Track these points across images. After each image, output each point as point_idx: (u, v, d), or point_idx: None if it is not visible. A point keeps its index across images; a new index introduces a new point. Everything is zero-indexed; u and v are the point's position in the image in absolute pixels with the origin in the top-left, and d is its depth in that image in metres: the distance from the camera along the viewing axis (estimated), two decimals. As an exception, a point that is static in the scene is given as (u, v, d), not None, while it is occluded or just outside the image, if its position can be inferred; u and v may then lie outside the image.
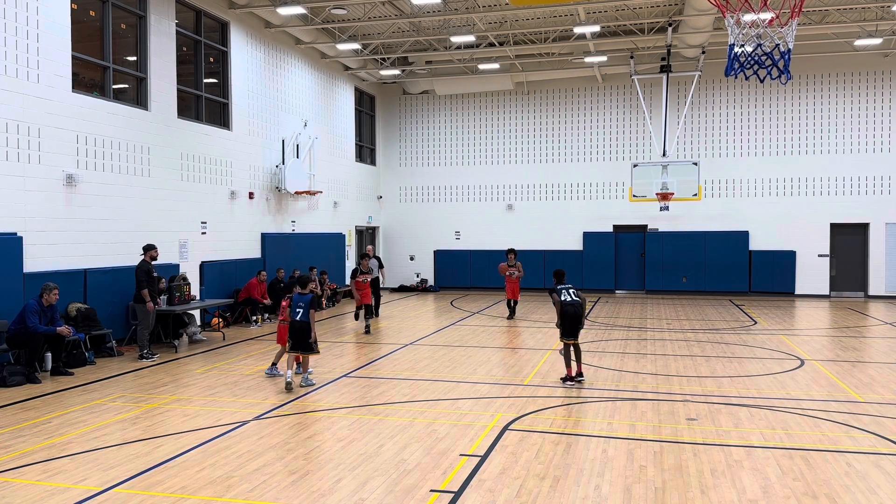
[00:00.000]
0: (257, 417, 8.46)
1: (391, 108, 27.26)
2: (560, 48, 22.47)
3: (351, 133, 24.50)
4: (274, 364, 10.93)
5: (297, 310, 9.91)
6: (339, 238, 23.08)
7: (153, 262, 12.64)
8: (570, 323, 10.12)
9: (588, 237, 25.14)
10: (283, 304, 10.70)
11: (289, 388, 9.70)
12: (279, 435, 7.72)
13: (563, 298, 10.21)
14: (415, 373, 11.17)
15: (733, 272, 23.87)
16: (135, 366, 11.84)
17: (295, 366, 10.00)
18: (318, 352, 10.25)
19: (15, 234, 11.44)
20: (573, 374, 10.21)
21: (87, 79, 13.70)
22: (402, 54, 22.67)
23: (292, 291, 10.84)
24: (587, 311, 10.62)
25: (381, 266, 17.51)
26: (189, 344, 14.15)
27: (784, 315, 18.85)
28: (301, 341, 9.86)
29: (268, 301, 16.90)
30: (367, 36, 21.16)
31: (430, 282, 26.52)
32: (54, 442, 7.48)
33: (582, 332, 10.42)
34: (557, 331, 10.44)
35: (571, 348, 10.21)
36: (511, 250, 18.13)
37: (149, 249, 12.61)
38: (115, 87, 14.12)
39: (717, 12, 15.95)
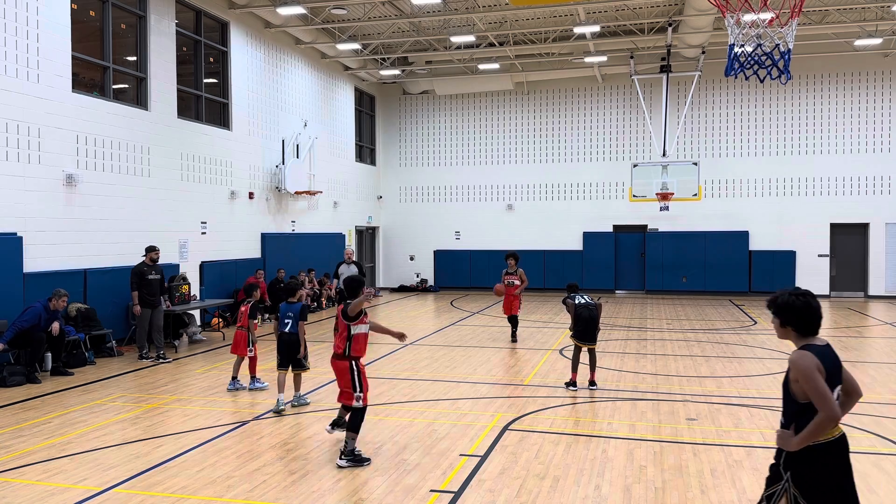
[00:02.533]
0: (257, 417, 8.46)
1: (391, 108, 27.26)
2: (560, 48, 22.47)
3: (351, 133, 24.50)
4: (234, 378, 9.91)
5: (286, 321, 8.80)
6: (339, 238, 23.09)
7: (154, 264, 12.48)
8: (585, 325, 9.87)
9: (588, 237, 25.14)
10: (242, 309, 9.83)
11: (279, 413, 8.59)
12: (279, 435, 7.72)
13: (577, 301, 10.02)
14: (415, 373, 11.18)
15: (733, 272, 23.87)
16: (135, 366, 11.84)
17: (289, 386, 8.92)
18: (308, 368, 9.09)
19: (15, 234, 11.44)
20: (576, 378, 9.94)
21: (87, 79, 13.70)
22: (402, 54, 22.68)
23: (251, 296, 9.92)
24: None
25: (361, 273, 14.75)
26: (189, 344, 14.15)
27: (784, 315, 18.81)
28: (290, 356, 8.78)
29: (267, 301, 16.89)
30: (367, 36, 21.16)
31: (430, 282, 26.52)
32: (54, 442, 7.48)
33: (599, 335, 10.16)
34: (559, 331, 10.33)
35: (582, 353, 9.98)
36: (511, 255, 14.54)
37: (148, 251, 12.49)
38: (115, 87, 14.12)
39: (717, 12, 15.94)
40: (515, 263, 14.40)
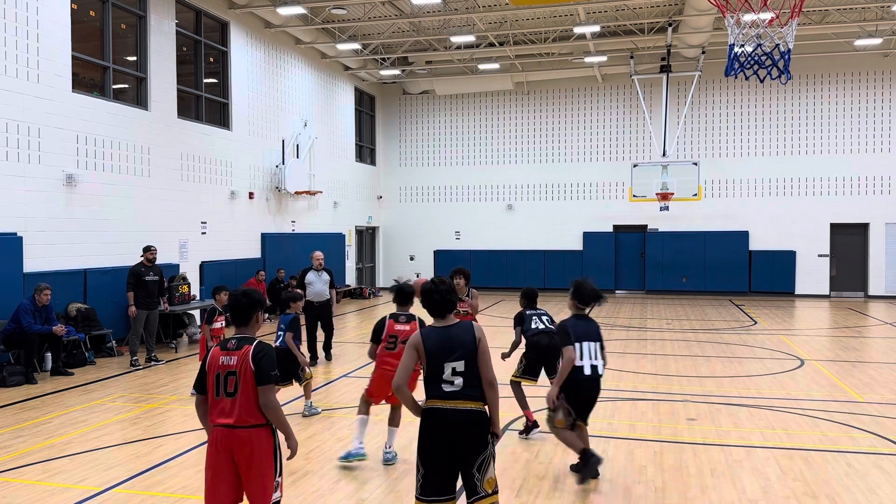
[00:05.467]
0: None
1: (391, 108, 27.26)
2: (560, 48, 22.46)
3: (351, 133, 24.50)
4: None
5: (279, 333, 8.38)
6: (339, 238, 23.08)
7: (152, 264, 12.21)
8: (538, 357, 7.68)
9: (588, 237, 25.14)
10: (217, 320, 9.35)
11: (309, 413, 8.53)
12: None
13: (533, 326, 7.81)
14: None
15: (733, 272, 23.86)
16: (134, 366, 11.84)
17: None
18: (306, 378, 8.43)
19: (15, 234, 11.44)
20: (533, 419, 7.72)
21: (87, 79, 13.70)
22: (402, 54, 22.68)
23: (219, 301, 9.55)
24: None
25: (332, 284, 12.32)
26: (189, 344, 14.15)
27: (784, 315, 18.85)
28: (287, 370, 8.10)
29: (267, 302, 16.92)
30: (367, 36, 21.16)
31: (430, 282, 26.47)
32: (54, 442, 7.48)
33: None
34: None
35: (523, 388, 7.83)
36: (460, 271, 8.91)
37: (144, 251, 12.22)
38: (115, 87, 14.12)
39: (717, 12, 15.93)
40: (466, 284, 8.95)
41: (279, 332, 8.43)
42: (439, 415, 4.30)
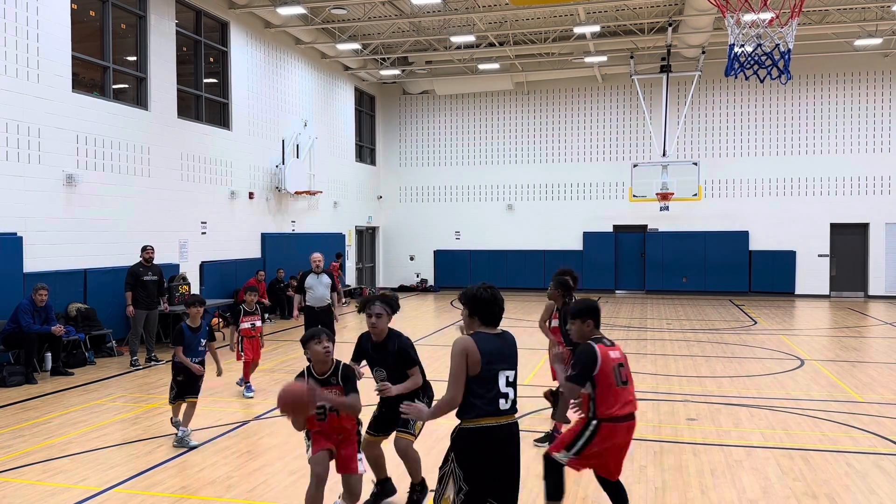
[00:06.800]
0: (257, 417, 8.46)
1: (391, 108, 27.26)
2: (560, 48, 22.47)
3: (351, 133, 24.50)
4: (246, 382, 9.68)
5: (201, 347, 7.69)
6: (339, 238, 23.08)
7: (150, 264, 12.29)
8: None
9: (588, 237, 25.13)
10: (244, 321, 9.54)
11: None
12: (279, 435, 7.72)
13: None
14: (415, 373, 11.15)
15: (733, 272, 23.86)
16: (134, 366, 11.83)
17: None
18: (171, 402, 7.53)
19: (15, 234, 11.44)
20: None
21: (87, 79, 13.70)
22: (402, 54, 22.68)
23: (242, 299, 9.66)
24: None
25: (334, 288, 11.15)
26: (189, 344, 14.12)
27: (784, 315, 18.85)
28: (187, 383, 7.47)
29: (266, 301, 16.93)
30: (367, 36, 21.17)
31: (430, 282, 26.51)
32: (54, 442, 7.48)
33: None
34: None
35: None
36: (567, 271, 7.53)
37: (142, 251, 12.32)
38: (115, 87, 14.12)
39: (717, 12, 15.93)
40: (563, 295, 7.37)
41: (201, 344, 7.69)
42: (497, 432, 4.02)
